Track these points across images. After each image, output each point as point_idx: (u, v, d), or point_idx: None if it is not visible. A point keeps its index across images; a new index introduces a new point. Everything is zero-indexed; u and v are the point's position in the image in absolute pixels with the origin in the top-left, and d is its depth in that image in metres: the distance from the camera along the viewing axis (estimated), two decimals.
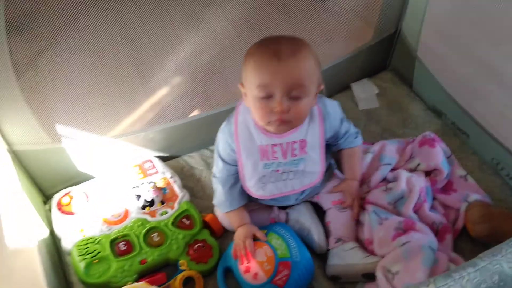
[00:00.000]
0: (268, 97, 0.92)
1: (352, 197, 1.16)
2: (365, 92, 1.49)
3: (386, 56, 1.55)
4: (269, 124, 0.96)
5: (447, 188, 1.24)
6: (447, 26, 1.30)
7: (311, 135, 1.04)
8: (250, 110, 1.01)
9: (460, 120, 1.35)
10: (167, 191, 1.25)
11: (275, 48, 0.91)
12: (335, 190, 1.17)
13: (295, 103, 0.93)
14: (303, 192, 1.14)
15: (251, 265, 1.04)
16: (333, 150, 1.18)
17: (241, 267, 1.06)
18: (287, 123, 0.95)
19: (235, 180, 1.11)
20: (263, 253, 1.06)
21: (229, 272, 1.10)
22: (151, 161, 1.31)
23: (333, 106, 1.09)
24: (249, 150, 1.04)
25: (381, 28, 1.46)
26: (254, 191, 1.09)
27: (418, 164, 1.24)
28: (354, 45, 1.47)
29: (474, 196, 1.18)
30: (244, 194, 1.12)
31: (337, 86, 1.51)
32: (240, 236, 1.09)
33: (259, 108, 0.94)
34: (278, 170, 1.06)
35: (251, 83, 0.93)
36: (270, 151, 1.03)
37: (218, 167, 1.11)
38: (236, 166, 1.08)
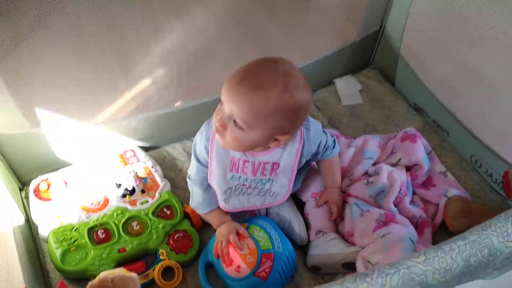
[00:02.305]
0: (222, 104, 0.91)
1: (337, 205, 1.15)
2: (349, 88, 1.50)
3: (370, 53, 1.57)
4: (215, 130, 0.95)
5: (427, 183, 1.26)
6: (428, 26, 1.33)
7: (286, 160, 1.01)
8: None
9: (441, 117, 1.37)
10: (148, 180, 1.23)
11: (249, 75, 0.87)
12: (320, 203, 1.16)
13: (233, 128, 0.90)
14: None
15: (234, 258, 1.03)
16: (312, 161, 1.17)
17: (223, 262, 1.05)
18: (222, 137, 0.93)
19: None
20: (246, 246, 1.05)
21: (211, 267, 1.09)
22: (132, 151, 1.29)
23: (316, 131, 1.05)
24: (221, 158, 1.01)
25: (366, 26, 1.47)
26: (218, 201, 1.08)
27: (400, 159, 1.25)
28: (338, 42, 1.48)
29: (453, 192, 1.20)
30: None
31: (321, 81, 1.52)
32: (222, 233, 1.07)
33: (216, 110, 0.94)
34: (244, 184, 1.04)
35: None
36: (241, 166, 1.02)
37: (193, 169, 1.09)
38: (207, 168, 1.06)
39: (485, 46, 1.17)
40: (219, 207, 1.09)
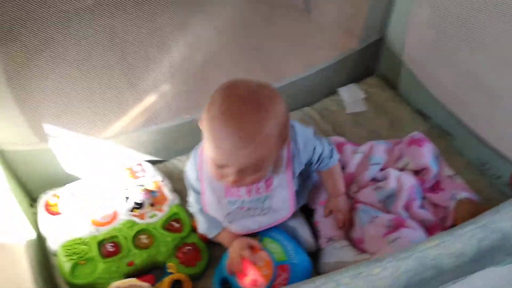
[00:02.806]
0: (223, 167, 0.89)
1: (342, 213, 1.14)
2: (352, 96, 1.51)
3: (373, 62, 1.58)
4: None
5: (435, 187, 1.25)
6: (428, 34, 1.34)
7: (278, 174, 1.00)
8: None
9: (446, 122, 1.37)
10: (157, 194, 1.24)
11: (234, 130, 0.82)
12: (326, 213, 1.15)
13: (252, 175, 0.90)
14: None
15: (249, 272, 1.01)
16: (312, 171, 1.16)
17: (239, 276, 1.03)
18: (243, 185, 0.93)
19: None
20: (260, 259, 1.02)
21: (226, 283, 1.07)
22: (141, 165, 1.30)
23: (304, 138, 1.03)
24: (213, 186, 1.01)
25: (366, 35, 1.49)
26: (223, 225, 1.07)
27: (407, 164, 1.25)
28: (339, 51, 1.50)
29: (462, 194, 1.19)
30: None
31: (324, 90, 1.53)
32: (236, 250, 1.04)
33: (212, 170, 0.92)
34: (243, 207, 1.03)
35: (207, 146, 0.89)
36: (235, 189, 1.00)
37: (192, 198, 1.09)
38: None
39: (485, 51, 1.18)
40: (224, 229, 1.08)
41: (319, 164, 1.08)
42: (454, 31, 1.25)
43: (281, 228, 1.12)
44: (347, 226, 1.15)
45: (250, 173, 0.88)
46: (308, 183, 1.16)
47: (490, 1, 1.10)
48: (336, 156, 1.12)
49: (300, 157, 1.02)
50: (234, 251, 1.04)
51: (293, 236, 1.12)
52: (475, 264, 0.51)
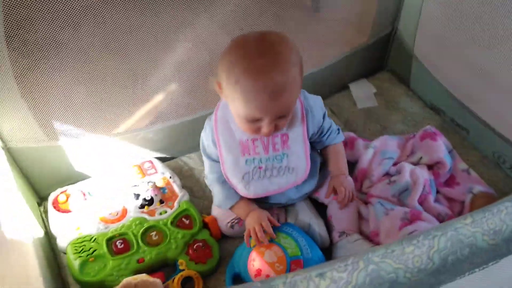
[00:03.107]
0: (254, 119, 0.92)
1: (345, 188, 1.09)
2: (364, 92, 1.49)
3: (383, 56, 1.56)
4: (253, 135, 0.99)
5: (450, 182, 1.23)
6: (440, 29, 1.32)
7: (293, 129, 1.02)
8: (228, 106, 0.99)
9: (459, 116, 1.35)
10: (166, 190, 1.22)
11: (264, 81, 0.86)
12: (328, 193, 1.12)
13: (281, 120, 0.94)
14: (297, 191, 1.11)
15: (262, 267, 0.99)
16: (318, 148, 1.16)
17: (252, 271, 1.01)
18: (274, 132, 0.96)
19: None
20: (273, 254, 1.00)
21: (238, 279, 1.05)
22: (150, 162, 1.29)
23: (314, 100, 1.08)
24: (230, 145, 1.01)
25: (377, 29, 1.47)
26: (239, 189, 1.06)
27: (421, 158, 1.23)
28: (349, 46, 1.48)
29: (478, 188, 1.17)
30: None
31: (335, 86, 1.51)
32: (254, 220, 1.03)
33: (244, 126, 0.95)
34: (260, 167, 1.03)
35: (237, 107, 0.92)
36: (251, 146, 1.01)
37: (207, 168, 1.09)
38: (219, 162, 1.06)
39: (496, 48, 1.17)
40: (243, 198, 1.07)
41: (328, 136, 1.11)
42: (466, 26, 1.24)
43: (295, 223, 1.11)
44: (348, 203, 1.11)
45: (281, 118, 0.93)
46: (323, 172, 1.15)
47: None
48: (342, 135, 1.16)
49: (313, 115, 1.05)
50: (252, 223, 1.03)
51: (307, 232, 1.10)
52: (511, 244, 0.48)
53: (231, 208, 1.09)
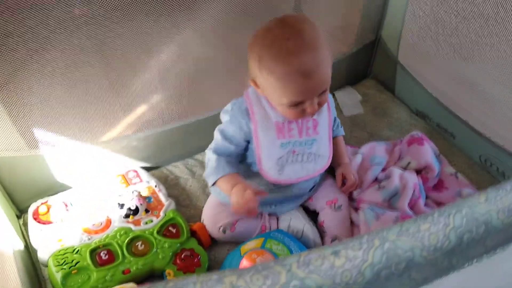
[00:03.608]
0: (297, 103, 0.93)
1: (354, 174, 1.17)
2: (349, 99, 1.50)
3: (368, 64, 1.57)
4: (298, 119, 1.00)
5: (439, 186, 1.23)
6: (422, 38, 1.34)
7: (321, 115, 1.04)
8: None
9: (445, 121, 1.36)
10: (152, 200, 1.19)
11: (298, 64, 0.87)
12: (338, 179, 1.16)
13: (321, 97, 0.94)
14: (311, 188, 1.13)
15: None
16: None
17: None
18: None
19: (230, 156, 1.05)
20: (265, 261, 0.97)
21: None
22: (135, 171, 1.25)
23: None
24: (266, 127, 1.00)
25: (361, 37, 1.48)
26: (271, 174, 1.03)
27: (409, 163, 1.22)
28: (334, 55, 1.48)
29: (467, 191, 1.17)
30: (237, 167, 1.05)
31: None
32: (238, 193, 0.95)
33: (289, 113, 0.96)
34: (294, 151, 1.02)
35: (277, 96, 0.93)
36: (286, 128, 1.01)
37: (215, 141, 1.05)
38: (235, 146, 1.03)
39: (475, 58, 1.19)
40: (232, 173, 1.01)
41: (336, 127, 1.17)
42: (445, 37, 1.26)
43: (288, 230, 1.10)
44: (357, 187, 1.17)
45: (321, 95, 0.93)
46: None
47: (477, 12, 1.12)
48: (342, 129, 1.21)
49: (332, 104, 1.10)
50: (237, 195, 0.96)
51: (300, 238, 1.08)
52: None
53: (220, 179, 1.02)
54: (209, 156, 1.06)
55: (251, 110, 1.00)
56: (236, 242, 1.11)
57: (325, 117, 1.05)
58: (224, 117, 1.05)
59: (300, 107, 0.93)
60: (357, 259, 0.40)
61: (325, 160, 1.07)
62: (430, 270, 0.43)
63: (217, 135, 1.05)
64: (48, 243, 1.06)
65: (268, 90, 0.94)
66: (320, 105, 0.95)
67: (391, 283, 0.41)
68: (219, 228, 1.11)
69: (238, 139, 1.03)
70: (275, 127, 1.00)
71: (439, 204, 1.19)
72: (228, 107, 1.04)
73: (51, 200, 1.15)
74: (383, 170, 1.24)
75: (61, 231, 1.09)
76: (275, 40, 0.88)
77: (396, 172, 1.17)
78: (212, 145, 1.07)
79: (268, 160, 1.02)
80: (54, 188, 1.19)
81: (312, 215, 1.16)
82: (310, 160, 1.04)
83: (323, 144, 1.05)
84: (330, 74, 0.93)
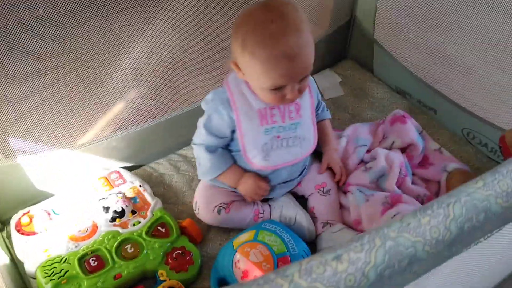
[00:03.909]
0: (278, 88, 0.92)
1: (339, 165, 1.16)
2: (329, 82, 1.48)
3: (345, 45, 1.56)
4: (278, 105, 0.99)
5: (424, 162, 1.23)
6: (397, 15, 1.34)
7: (303, 98, 1.03)
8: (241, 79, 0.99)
9: (425, 96, 1.36)
10: (137, 200, 1.16)
11: (282, 46, 0.86)
12: (323, 167, 1.15)
13: (302, 83, 0.94)
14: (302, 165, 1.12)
15: (248, 268, 0.95)
16: None
17: (238, 274, 0.96)
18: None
19: (219, 147, 1.07)
20: (259, 253, 0.97)
21: (224, 284, 1.00)
22: (117, 172, 1.22)
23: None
24: (248, 115, 0.99)
25: (336, 18, 1.47)
26: (257, 162, 1.03)
27: (393, 142, 1.22)
28: None
29: (452, 165, 1.17)
30: (230, 156, 1.08)
31: None
32: (250, 187, 1.07)
33: (269, 97, 0.95)
34: (278, 136, 1.02)
35: (258, 80, 0.92)
36: (269, 114, 1.00)
37: (200, 136, 1.05)
38: (221, 139, 1.03)
39: (451, 31, 1.20)
40: (232, 166, 1.06)
41: (321, 110, 1.16)
42: (420, 12, 1.26)
43: (280, 219, 1.09)
44: (344, 179, 1.16)
45: (302, 80, 0.93)
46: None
47: None
48: (328, 112, 1.21)
49: (313, 85, 1.09)
50: (250, 188, 1.07)
51: (292, 226, 1.07)
52: None
53: (219, 176, 1.06)
54: (199, 154, 1.06)
55: (232, 99, 0.99)
56: (228, 235, 1.11)
57: (307, 100, 1.05)
58: (206, 108, 1.04)
59: (281, 92, 0.93)
60: (359, 262, 0.39)
61: (310, 143, 1.07)
62: (431, 262, 0.43)
63: (201, 130, 1.04)
64: (34, 254, 1.03)
65: (250, 73, 0.93)
66: (300, 91, 0.95)
67: (394, 280, 0.41)
68: (214, 208, 1.09)
69: (224, 131, 1.02)
70: (258, 114, 1.00)
71: (426, 180, 1.19)
72: (209, 96, 1.03)
73: (33, 209, 1.12)
74: (368, 151, 1.23)
75: (46, 241, 1.05)
76: (259, 23, 0.88)
77: (381, 152, 1.17)
78: (197, 141, 1.06)
79: (253, 147, 1.02)
80: (35, 197, 1.15)
81: (301, 200, 1.15)
82: (296, 144, 1.04)
83: (307, 127, 1.05)
84: (313, 58, 0.92)
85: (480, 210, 0.44)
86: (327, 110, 1.20)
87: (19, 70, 1.04)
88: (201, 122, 1.05)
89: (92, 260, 1.03)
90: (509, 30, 1.05)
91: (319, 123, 1.15)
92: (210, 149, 1.05)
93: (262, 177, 1.08)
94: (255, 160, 1.03)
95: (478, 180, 0.45)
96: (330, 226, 1.06)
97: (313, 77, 1.48)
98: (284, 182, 1.11)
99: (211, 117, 1.02)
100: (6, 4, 0.91)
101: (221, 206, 1.09)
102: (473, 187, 0.45)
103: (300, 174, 1.14)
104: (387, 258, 0.40)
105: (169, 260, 1.05)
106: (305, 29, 0.89)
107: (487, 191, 0.44)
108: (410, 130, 1.23)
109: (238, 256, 0.98)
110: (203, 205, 1.10)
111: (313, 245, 1.07)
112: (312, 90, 1.07)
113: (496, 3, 1.04)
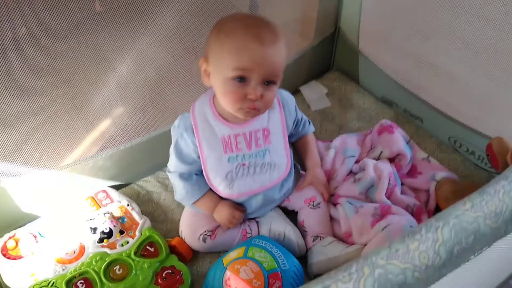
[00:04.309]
0: (242, 80, 0.89)
1: (323, 183, 1.14)
2: (315, 93, 1.48)
3: (330, 56, 1.56)
4: (239, 110, 0.92)
5: (412, 172, 1.24)
6: (380, 24, 1.35)
7: (273, 124, 1.01)
8: (207, 103, 0.98)
9: (411, 105, 1.36)
10: (125, 220, 1.15)
11: (256, 32, 0.88)
12: (305, 185, 1.13)
13: (268, 89, 0.92)
14: (279, 191, 1.10)
15: (239, 286, 0.94)
16: (292, 141, 1.16)
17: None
18: (257, 110, 0.92)
19: (192, 173, 1.06)
20: (249, 270, 0.95)
21: None
22: (104, 191, 1.20)
23: (287, 93, 1.11)
24: (211, 142, 0.98)
25: (320, 30, 1.47)
26: (221, 190, 1.03)
27: (381, 152, 1.22)
28: (295, 50, 1.47)
29: (441, 174, 1.18)
30: (205, 183, 1.05)
31: (286, 90, 1.48)
32: (224, 215, 1.05)
33: (230, 91, 0.90)
34: (244, 164, 1.00)
35: (225, 64, 0.89)
36: (234, 142, 0.99)
37: (173, 163, 1.05)
38: (192, 165, 1.03)
39: (434, 38, 1.20)
40: (206, 193, 1.05)
41: (302, 127, 1.14)
42: (403, 20, 1.27)
43: (269, 234, 1.08)
44: (327, 197, 1.14)
45: (269, 86, 0.91)
46: (295, 174, 1.14)
47: None
48: (312, 127, 1.20)
49: (289, 109, 1.06)
50: (224, 217, 1.05)
51: (282, 241, 1.06)
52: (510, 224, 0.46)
53: (195, 203, 1.06)
54: (174, 182, 1.07)
55: (195, 126, 0.99)
56: (218, 252, 1.09)
57: (278, 124, 1.03)
58: (173, 134, 1.04)
59: (244, 89, 0.89)
60: None
61: (282, 169, 1.05)
62: (421, 285, 0.42)
63: (173, 157, 1.04)
64: (21, 279, 1.01)
65: (219, 59, 0.91)
66: (264, 100, 0.91)
67: None
68: (199, 237, 1.08)
69: (192, 156, 1.02)
70: (222, 141, 0.99)
71: (415, 190, 1.19)
72: (176, 122, 1.03)
73: (19, 233, 1.09)
74: (357, 162, 1.23)
75: (33, 264, 1.03)
76: (238, 17, 0.93)
77: (370, 163, 1.17)
78: (171, 168, 1.06)
79: (216, 176, 1.01)
80: (21, 220, 1.13)
81: (292, 214, 1.14)
82: (264, 171, 1.02)
83: (278, 153, 1.03)
84: (282, 71, 0.93)
85: (469, 233, 0.43)
86: (309, 124, 1.18)
87: (1, 90, 1.02)
88: (171, 148, 1.05)
89: (80, 283, 1.01)
90: (491, 37, 1.05)
91: (300, 140, 1.15)
92: (184, 176, 1.04)
93: (237, 204, 1.07)
94: (220, 188, 1.03)
95: (466, 202, 0.45)
96: (320, 239, 1.05)
97: (298, 89, 1.50)
98: (265, 204, 1.10)
99: (178, 142, 1.02)
100: None
101: (206, 234, 1.08)
102: (461, 209, 0.44)
103: (284, 194, 1.12)
104: (377, 286, 0.39)
105: (159, 280, 1.03)
106: (280, 39, 0.91)
107: (476, 212, 0.44)
108: (398, 139, 1.23)
109: (228, 273, 0.96)
110: (188, 234, 1.09)
111: (304, 259, 1.06)
112: (285, 113, 1.05)
113: (478, 10, 1.05)
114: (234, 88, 0.90)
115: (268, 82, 0.91)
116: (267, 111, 1.00)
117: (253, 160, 1.01)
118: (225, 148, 0.99)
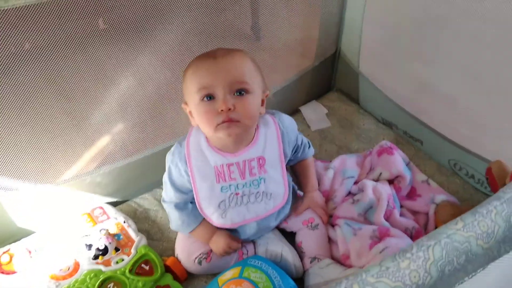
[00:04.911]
0: (211, 98, 0.89)
1: (321, 207, 1.12)
2: (315, 114, 1.48)
3: (330, 76, 1.57)
4: (218, 128, 0.90)
5: (412, 194, 1.22)
6: (381, 48, 1.35)
7: (270, 152, 0.99)
8: (201, 132, 0.97)
9: (412, 128, 1.36)
10: (121, 237, 1.14)
11: (209, 53, 0.92)
12: (302, 209, 1.12)
13: (240, 99, 0.90)
14: (275, 218, 1.09)
15: None
16: (290, 164, 1.14)
17: None
18: (236, 122, 0.90)
19: (188, 202, 1.05)
20: None
21: None
22: (101, 208, 1.20)
23: (289, 120, 1.07)
24: (203, 172, 0.98)
25: (321, 51, 1.48)
26: (214, 219, 1.02)
27: (380, 174, 1.22)
28: (296, 71, 1.48)
29: (440, 197, 1.16)
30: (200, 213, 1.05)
31: (286, 110, 1.45)
32: (222, 245, 1.04)
33: (203, 112, 0.90)
34: (237, 193, 0.99)
35: (192, 91, 0.91)
36: (227, 172, 0.98)
37: (168, 193, 1.04)
38: (187, 194, 1.02)
39: (435, 63, 1.21)
40: (202, 222, 1.04)
41: (301, 152, 1.11)
42: (404, 45, 1.28)
43: (265, 255, 1.06)
44: (326, 221, 1.12)
45: (238, 93, 0.90)
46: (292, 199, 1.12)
47: (433, 17, 1.14)
48: (312, 149, 1.16)
49: (289, 136, 1.03)
50: (221, 247, 1.05)
51: (279, 262, 1.05)
52: (503, 245, 0.46)
53: (191, 232, 1.06)
54: (169, 212, 1.06)
55: (188, 156, 0.98)
56: (213, 274, 1.07)
57: (275, 153, 1.00)
58: (167, 161, 1.03)
59: (213, 105, 0.89)
60: None
61: (279, 198, 1.03)
62: None
63: (167, 185, 1.04)
64: None
65: (188, 91, 0.94)
66: (239, 110, 0.89)
67: None
68: (194, 260, 1.07)
69: (186, 185, 1.02)
70: (215, 171, 0.98)
71: (414, 212, 1.18)
72: (172, 149, 1.03)
73: (13, 248, 1.09)
74: (356, 182, 1.23)
75: (26, 280, 1.02)
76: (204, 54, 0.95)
77: (369, 184, 1.16)
78: (166, 198, 1.06)
79: (208, 205, 1.01)
80: (16, 235, 1.12)
81: (289, 235, 1.13)
82: (259, 200, 1.01)
83: (275, 182, 1.01)
84: (250, 75, 0.92)
85: (461, 252, 0.43)
86: (309, 148, 1.15)
87: (2, 104, 1.03)
88: (165, 176, 1.04)
89: None
90: (489, 61, 1.06)
91: (299, 164, 1.14)
92: (179, 206, 1.04)
93: (233, 235, 1.06)
94: (213, 217, 1.02)
95: (458, 221, 0.44)
96: (318, 261, 1.04)
97: (300, 109, 1.51)
98: (261, 229, 1.08)
99: (171, 170, 1.02)
100: None
101: (201, 257, 1.06)
102: (453, 229, 0.44)
103: (280, 221, 1.11)
104: None
105: None
106: (237, 51, 0.93)
107: (467, 232, 0.43)
108: (397, 161, 1.23)
109: None
110: (184, 257, 1.08)
111: (301, 281, 1.05)
112: (283, 141, 1.02)
113: (476, 34, 1.05)
114: (205, 108, 0.90)
115: (239, 92, 0.90)
116: (264, 138, 0.99)
117: (247, 189, 0.99)
118: (218, 178, 0.98)
